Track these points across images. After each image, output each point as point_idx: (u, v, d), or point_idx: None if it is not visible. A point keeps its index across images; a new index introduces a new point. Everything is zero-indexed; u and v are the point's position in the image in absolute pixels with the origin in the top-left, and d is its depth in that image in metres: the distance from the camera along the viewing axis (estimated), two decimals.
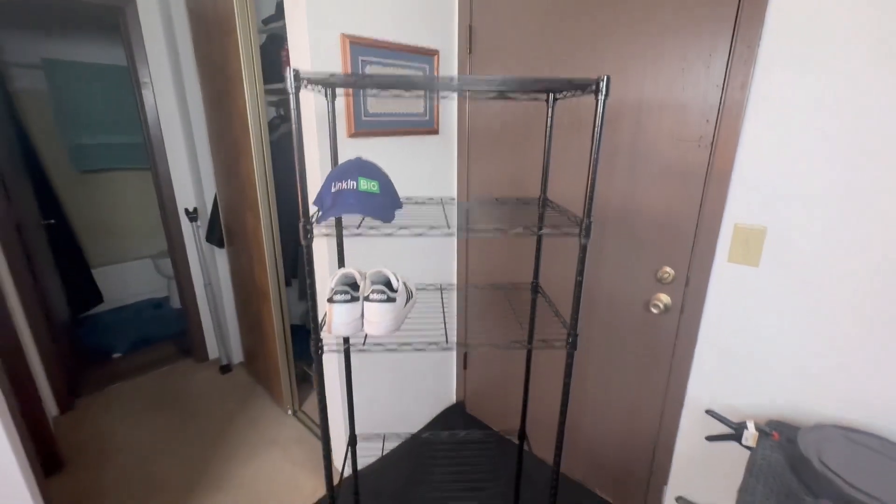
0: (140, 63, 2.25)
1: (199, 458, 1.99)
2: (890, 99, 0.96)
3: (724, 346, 1.32)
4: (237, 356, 2.81)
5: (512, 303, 1.25)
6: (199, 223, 2.54)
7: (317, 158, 1.44)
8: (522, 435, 1.45)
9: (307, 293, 0.91)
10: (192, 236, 2.56)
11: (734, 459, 1.35)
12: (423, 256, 1.91)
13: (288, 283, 2.22)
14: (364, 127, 1.53)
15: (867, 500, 0.84)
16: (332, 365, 1.65)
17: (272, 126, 2.25)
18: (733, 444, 1.33)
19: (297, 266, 2.35)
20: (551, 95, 1.10)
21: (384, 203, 0.93)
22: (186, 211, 2.52)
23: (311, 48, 1.34)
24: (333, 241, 1.36)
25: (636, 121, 1.37)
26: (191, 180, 2.55)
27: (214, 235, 2.49)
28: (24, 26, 3.06)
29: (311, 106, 1.40)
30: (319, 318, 0.98)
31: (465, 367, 2.20)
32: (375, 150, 1.60)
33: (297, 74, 0.75)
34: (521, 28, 1.58)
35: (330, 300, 0.92)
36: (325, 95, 1.08)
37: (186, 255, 2.60)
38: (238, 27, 1.70)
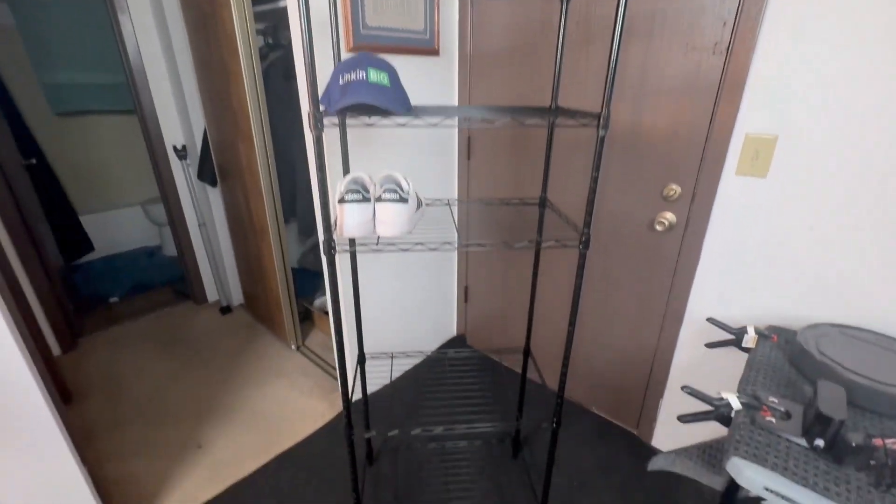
0: None
1: (207, 388, 2.03)
2: None
3: (727, 261, 1.34)
4: (237, 298, 2.81)
5: (521, 213, 1.24)
6: (188, 161, 2.46)
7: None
8: (527, 352, 1.49)
9: (314, 223, 0.89)
10: (182, 176, 2.48)
11: (730, 368, 1.41)
12: (429, 175, 1.88)
13: (286, 222, 2.19)
14: (363, 41, 1.45)
15: (865, 382, 0.88)
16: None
17: (261, 55, 2.13)
18: (731, 355, 1.39)
19: (296, 203, 2.31)
20: None
21: (395, 96, 0.89)
22: (175, 149, 2.43)
23: None
24: (337, 149, 1.32)
25: (648, 28, 1.31)
26: (177, 116, 2.44)
27: (206, 173, 2.42)
28: None
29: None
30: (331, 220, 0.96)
31: (465, 301, 2.23)
32: None
33: None
34: None
35: (341, 200, 0.90)
36: None
37: (178, 196, 2.53)
38: None
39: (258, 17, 1.93)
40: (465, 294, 2.21)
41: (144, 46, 2.24)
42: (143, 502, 1.49)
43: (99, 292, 2.98)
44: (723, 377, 1.44)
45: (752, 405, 0.87)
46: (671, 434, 1.63)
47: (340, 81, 0.87)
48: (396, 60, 1.59)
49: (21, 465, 1.12)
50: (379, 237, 0.96)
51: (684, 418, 0.91)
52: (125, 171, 3.67)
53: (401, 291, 1.92)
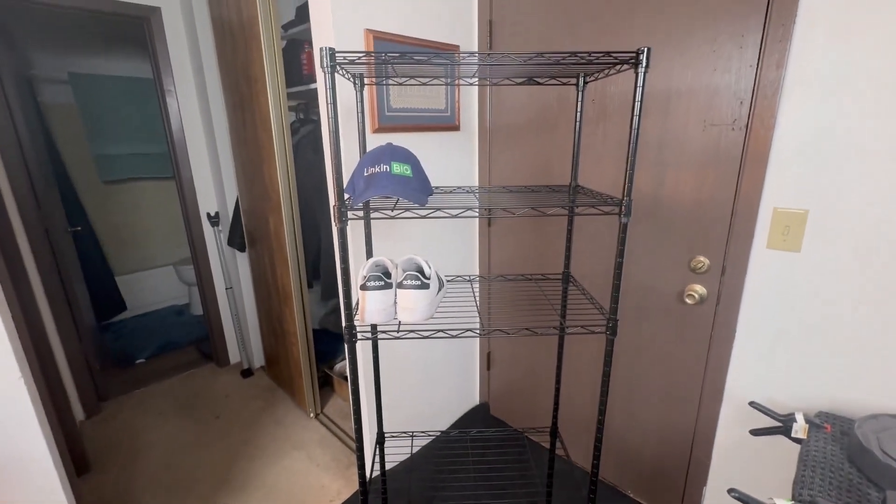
0: (165, 72, 2.30)
1: (223, 459, 1.98)
2: None
3: (765, 336, 1.27)
4: (258, 360, 2.81)
5: (543, 290, 1.22)
6: (220, 227, 2.57)
7: (342, 153, 1.44)
8: (554, 432, 1.41)
9: (336, 285, 0.90)
10: (213, 241, 2.59)
11: (779, 454, 1.29)
12: (450, 249, 1.89)
13: (309, 286, 2.23)
14: (388, 122, 1.53)
15: None
16: (358, 360, 1.63)
17: (292, 129, 2.28)
18: (778, 438, 1.27)
19: (318, 268, 2.36)
20: (582, 79, 1.08)
21: (417, 187, 0.91)
22: (208, 216, 2.55)
23: (337, 42, 1.35)
24: (361, 232, 1.35)
25: (664, 106, 1.34)
26: (212, 186, 2.59)
27: (236, 239, 2.51)
28: (53, 42, 3.17)
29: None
30: (353, 305, 0.97)
31: (488, 368, 2.16)
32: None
33: (332, 52, 0.75)
34: (541, 21, 1.57)
35: (363, 287, 0.91)
36: (354, 84, 1.07)
37: (209, 259, 2.62)
38: (262, 32, 1.73)
39: (292, 96, 2.08)
40: (487, 361, 2.15)
41: (187, 122, 2.42)
42: None
43: (127, 351, 3.04)
44: (772, 462, 1.32)
45: None
46: None
47: (365, 173, 0.91)
48: (418, 137, 1.66)
49: None
50: (400, 323, 0.95)
51: None
52: (160, 234, 3.86)
53: (422, 361, 1.88)
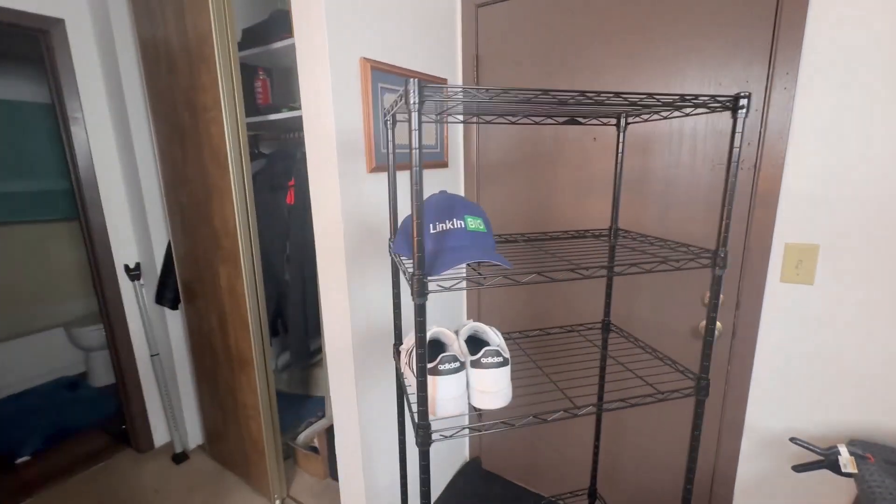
0: (69, 95, 1.88)
1: None
2: None
3: (783, 368, 1.30)
4: (193, 439, 2.32)
5: (589, 339, 1.12)
6: (142, 282, 2.12)
7: (337, 196, 1.24)
8: (593, 495, 1.29)
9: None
10: (133, 297, 2.12)
11: (804, 484, 1.31)
12: (446, 305, 1.74)
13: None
14: (383, 161, 1.36)
15: None
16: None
17: None
18: (789, 472, 1.29)
19: (277, 324, 2.03)
20: (624, 119, 1.03)
21: (492, 244, 0.77)
22: (127, 268, 2.09)
23: (333, 73, 1.16)
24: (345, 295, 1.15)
25: (669, 147, 1.36)
26: (132, 231, 2.14)
27: (167, 295, 2.08)
28: None
29: (329, 138, 1.21)
30: (410, 396, 0.77)
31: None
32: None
33: (421, 86, 0.59)
34: (532, 57, 1.54)
35: (434, 371, 0.73)
36: (386, 124, 0.91)
37: (125, 319, 2.14)
38: (217, 54, 1.47)
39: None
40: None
41: (99, 155, 2.00)
42: None
43: (1, 448, 2.33)
44: (795, 494, 1.33)
45: None
46: None
47: (432, 230, 0.74)
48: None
49: None
50: (477, 411, 0.78)
51: None
52: (50, 289, 3.12)
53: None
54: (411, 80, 0.58)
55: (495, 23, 1.60)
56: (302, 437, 2.10)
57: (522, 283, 0.70)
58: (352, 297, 1.31)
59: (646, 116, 1.01)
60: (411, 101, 0.59)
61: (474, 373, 0.76)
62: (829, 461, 1.10)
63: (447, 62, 1.64)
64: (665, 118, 0.88)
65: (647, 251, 0.88)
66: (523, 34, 1.54)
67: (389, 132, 0.90)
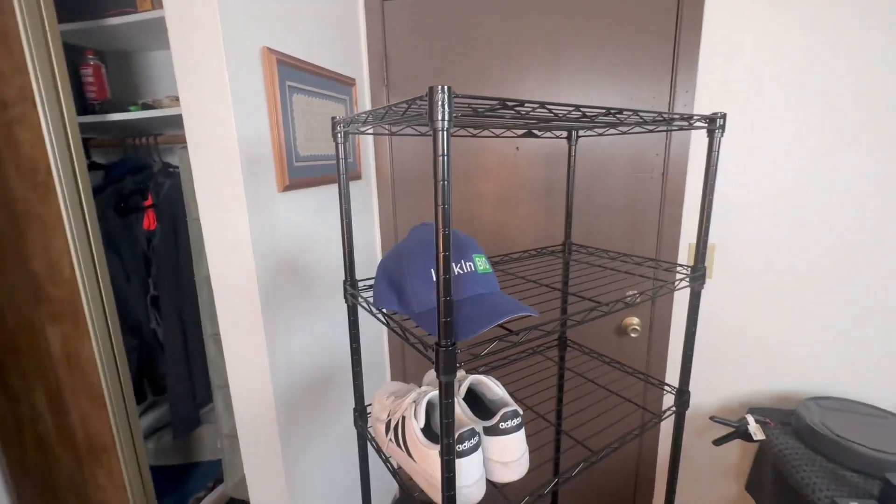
0: None
1: None
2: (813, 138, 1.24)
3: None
4: None
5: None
6: None
7: (244, 224, 0.96)
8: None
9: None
10: None
11: (718, 452, 1.50)
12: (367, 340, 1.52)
13: None
14: (297, 175, 1.11)
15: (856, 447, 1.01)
16: None
17: None
18: (701, 443, 1.48)
19: (144, 385, 1.56)
20: (575, 133, 1.00)
21: (499, 286, 0.64)
22: None
23: (229, 65, 0.89)
24: (262, 351, 0.91)
25: (597, 156, 1.41)
26: None
27: None
28: None
29: (229, 150, 0.92)
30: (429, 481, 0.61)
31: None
32: (308, 205, 1.19)
33: (450, 93, 0.43)
34: (444, 59, 1.45)
35: (458, 454, 0.58)
36: (336, 137, 0.70)
37: None
38: (22, 21, 1.02)
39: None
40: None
41: None
42: None
43: None
44: (713, 461, 1.51)
45: None
46: None
47: (434, 276, 0.58)
48: (327, 191, 1.29)
49: None
50: (497, 485, 0.65)
51: None
52: None
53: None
54: (439, 87, 0.42)
55: (403, 18, 1.45)
56: None
57: (549, 332, 0.59)
58: (270, 351, 1.04)
59: (600, 130, 1.00)
60: (439, 117, 0.43)
61: (492, 442, 0.63)
62: (740, 431, 1.26)
63: (354, 62, 1.44)
64: (623, 133, 0.88)
65: (620, 269, 0.86)
66: (440, 28, 1.43)
67: (340, 148, 0.70)
